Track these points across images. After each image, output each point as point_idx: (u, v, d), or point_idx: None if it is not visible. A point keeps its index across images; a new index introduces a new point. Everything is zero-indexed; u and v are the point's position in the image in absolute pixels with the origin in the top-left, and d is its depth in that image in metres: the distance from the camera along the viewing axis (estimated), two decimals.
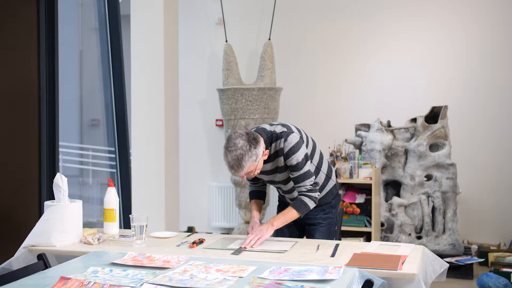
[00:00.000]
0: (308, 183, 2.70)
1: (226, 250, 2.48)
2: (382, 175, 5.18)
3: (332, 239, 2.93)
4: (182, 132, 6.34)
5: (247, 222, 5.90)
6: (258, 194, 2.98)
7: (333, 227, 2.98)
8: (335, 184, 2.99)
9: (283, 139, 2.66)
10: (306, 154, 2.70)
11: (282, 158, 2.69)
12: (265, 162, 2.70)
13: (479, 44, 5.70)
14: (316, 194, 2.73)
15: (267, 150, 2.65)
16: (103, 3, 5.14)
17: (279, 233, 3.00)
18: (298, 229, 3.02)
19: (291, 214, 2.71)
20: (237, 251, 2.45)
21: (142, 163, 4.47)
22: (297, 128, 2.78)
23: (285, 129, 2.71)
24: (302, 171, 2.68)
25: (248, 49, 6.34)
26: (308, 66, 6.20)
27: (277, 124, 2.76)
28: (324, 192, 2.92)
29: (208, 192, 6.58)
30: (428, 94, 5.78)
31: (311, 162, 2.78)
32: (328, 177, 2.93)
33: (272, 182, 2.87)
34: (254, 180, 2.96)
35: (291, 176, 2.72)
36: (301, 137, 2.72)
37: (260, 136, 2.61)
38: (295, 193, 2.81)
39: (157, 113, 4.40)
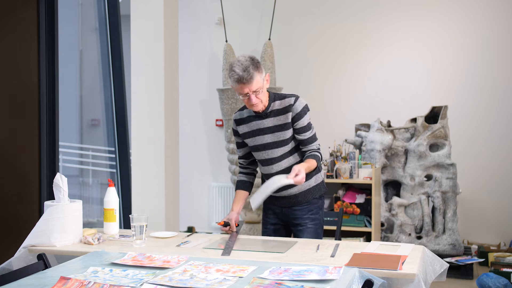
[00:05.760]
0: (317, 143, 2.86)
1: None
2: (382, 175, 5.18)
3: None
4: (182, 132, 6.34)
5: (247, 222, 5.90)
6: (244, 185, 3.01)
7: (320, 229, 2.97)
8: (322, 180, 3.01)
9: (293, 98, 2.79)
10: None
11: (289, 115, 2.77)
12: (265, 116, 2.80)
13: (479, 44, 5.70)
14: (321, 154, 2.88)
15: (268, 74, 2.78)
16: (103, 3, 5.14)
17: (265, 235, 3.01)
18: (286, 233, 3.01)
19: (311, 163, 2.78)
20: (226, 252, 2.43)
21: (142, 163, 4.47)
22: None
23: (292, 93, 2.87)
24: (313, 132, 2.84)
25: (248, 49, 6.34)
26: (308, 66, 6.20)
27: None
28: (318, 182, 2.94)
29: (208, 192, 6.58)
30: (428, 94, 5.78)
31: None
32: (318, 169, 2.95)
33: (267, 147, 2.83)
34: (245, 162, 3.00)
35: (303, 137, 2.81)
36: None
37: None
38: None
39: (157, 113, 4.40)
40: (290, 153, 2.85)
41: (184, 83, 6.39)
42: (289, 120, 2.78)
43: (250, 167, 3.03)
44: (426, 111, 5.34)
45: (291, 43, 6.25)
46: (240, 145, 2.99)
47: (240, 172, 3.05)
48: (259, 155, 2.90)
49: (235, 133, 2.96)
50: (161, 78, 4.38)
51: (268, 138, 2.83)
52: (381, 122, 5.25)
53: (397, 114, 5.65)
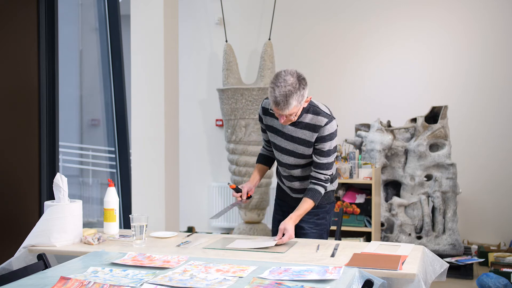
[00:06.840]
0: (328, 173, 2.73)
1: (226, 250, 2.48)
2: (382, 175, 5.18)
3: None
4: (182, 132, 6.34)
5: (247, 222, 5.90)
6: (265, 159, 2.95)
7: (325, 234, 2.92)
8: (333, 190, 2.95)
9: (327, 120, 2.64)
10: (336, 146, 2.73)
11: (314, 135, 2.65)
12: (292, 124, 2.68)
13: (479, 44, 5.70)
14: (328, 185, 2.75)
15: (310, 97, 2.62)
16: (103, 3, 5.14)
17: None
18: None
19: (306, 206, 2.70)
20: (216, 216, 2.62)
21: (142, 163, 4.47)
22: None
23: (329, 112, 2.69)
24: (330, 160, 2.71)
25: (248, 49, 6.34)
26: (308, 66, 6.20)
27: (318, 102, 2.75)
28: (329, 189, 2.89)
29: (208, 192, 6.58)
30: (428, 94, 5.78)
31: None
32: (333, 179, 2.91)
33: (284, 151, 2.77)
34: (269, 145, 2.93)
35: (318, 160, 2.69)
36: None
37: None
38: (295, 183, 2.82)
39: (157, 113, 4.40)
40: (305, 165, 2.78)
41: (184, 83, 6.39)
42: (313, 140, 2.68)
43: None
44: (426, 111, 5.34)
45: (291, 43, 6.24)
46: (264, 131, 2.88)
47: (263, 147, 2.98)
48: (275, 152, 2.85)
49: (260, 119, 2.85)
50: (161, 78, 4.38)
51: (288, 145, 2.75)
52: (381, 122, 5.25)
53: (397, 114, 5.65)
